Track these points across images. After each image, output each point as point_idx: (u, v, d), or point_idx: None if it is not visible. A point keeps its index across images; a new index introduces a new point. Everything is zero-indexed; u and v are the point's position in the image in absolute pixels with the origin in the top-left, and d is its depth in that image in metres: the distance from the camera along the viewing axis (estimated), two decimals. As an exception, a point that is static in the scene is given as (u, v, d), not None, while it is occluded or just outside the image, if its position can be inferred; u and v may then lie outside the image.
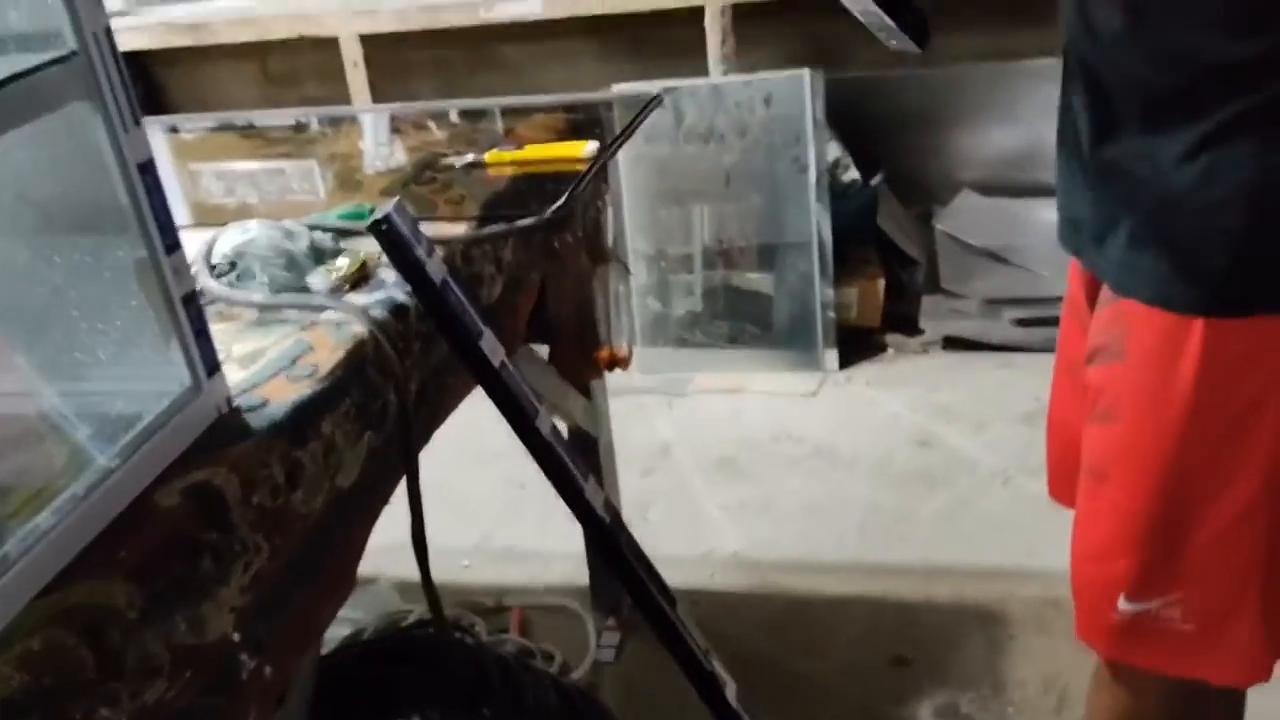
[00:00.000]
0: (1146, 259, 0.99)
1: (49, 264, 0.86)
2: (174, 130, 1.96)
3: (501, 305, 1.31)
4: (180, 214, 1.43)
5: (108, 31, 0.78)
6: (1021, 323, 2.79)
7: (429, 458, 1.13)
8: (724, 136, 2.85)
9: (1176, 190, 0.96)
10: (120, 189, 0.82)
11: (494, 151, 1.52)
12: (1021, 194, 2.83)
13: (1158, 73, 0.95)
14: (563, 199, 1.33)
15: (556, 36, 2.92)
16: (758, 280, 2.96)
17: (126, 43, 2.90)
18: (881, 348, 2.96)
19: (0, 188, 0.80)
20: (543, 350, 1.67)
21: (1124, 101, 0.99)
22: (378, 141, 1.82)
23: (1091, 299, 1.12)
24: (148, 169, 0.82)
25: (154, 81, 3.34)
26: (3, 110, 0.73)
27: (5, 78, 0.73)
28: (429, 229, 1.23)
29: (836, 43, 2.74)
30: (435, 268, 1.00)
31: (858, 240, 2.94)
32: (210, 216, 1.42)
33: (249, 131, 1.91)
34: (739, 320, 2.99)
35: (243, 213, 1.38)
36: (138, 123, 0.82)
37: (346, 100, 3.05)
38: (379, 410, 1.03)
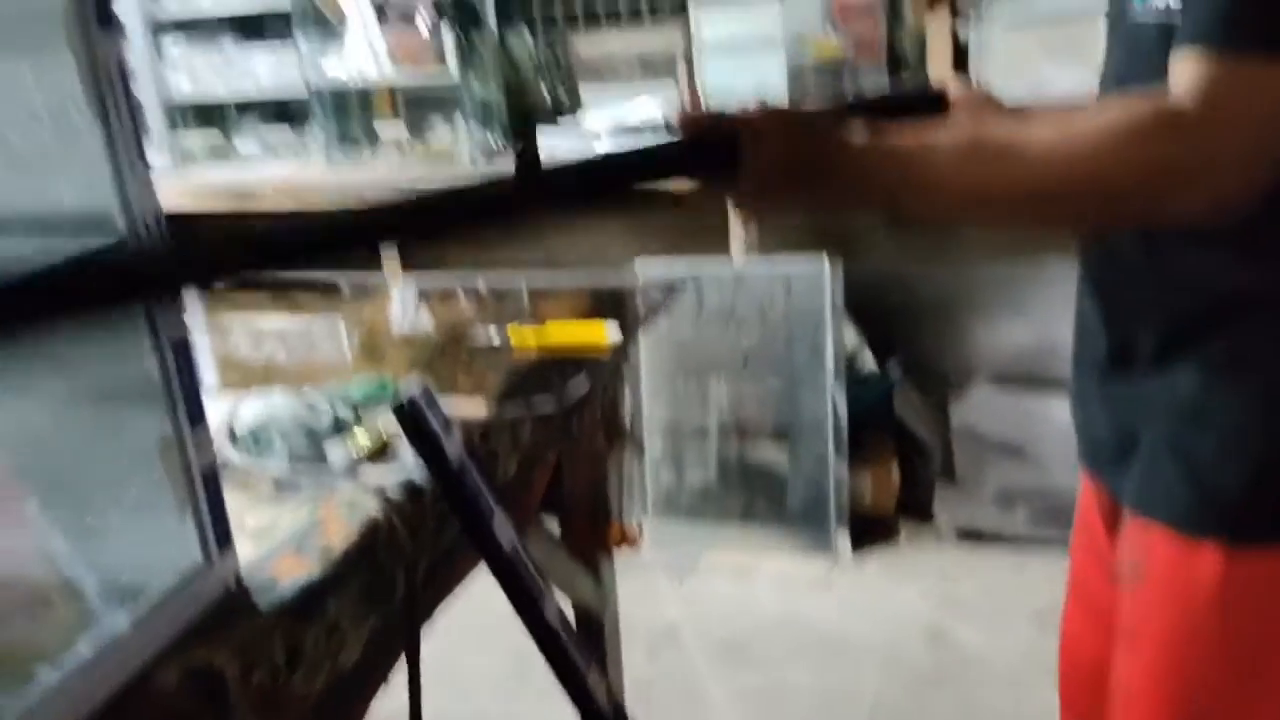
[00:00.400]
0: (1165, 481, 0.98)
1: (72, 429, 0.87)
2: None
3: (516, 483, 1.32)
4: (207, 368, 1.46)
5: (157, 216, 0.81)
6: (1036, 519, 2.77)
7: (428, 628, 1.12)
8: (744, 320, 2.90)
9: (1195, 412, 0.95)
10: (152, 362, 0.84)
11: (518, 328, 1.55)
12: (1037, 387, 2.85)
13: (1175, 296, 0.95)
14: (582, 393, 1.35)
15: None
16: (773, 457, 2.97)
17: (169, 202, 2.99)
18: (895, 534, 2.94)
19: (30, 358, 0.82)
20: (554, 522, 1.67)
21: (1141, 323, 0.99)
22: (405, 309, 1.86)
23: (1107, 521, 1.10)
24: (181, 346, 0.84)
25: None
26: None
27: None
28: (449, 404, 1.25)
29: (856, 235, 2.80)
30: (454, 449, 1.01)
31: (874, 426, 2.95)
32: (237, 372, 1.45)
33: (281, 289, 1.96)
34: (752, 496, 2.98)
35: (269, 371, 1.40)
36: (175, 301, 0.84)
37: (378, 264, 3.12)
38: (386, 590, 1.02)
